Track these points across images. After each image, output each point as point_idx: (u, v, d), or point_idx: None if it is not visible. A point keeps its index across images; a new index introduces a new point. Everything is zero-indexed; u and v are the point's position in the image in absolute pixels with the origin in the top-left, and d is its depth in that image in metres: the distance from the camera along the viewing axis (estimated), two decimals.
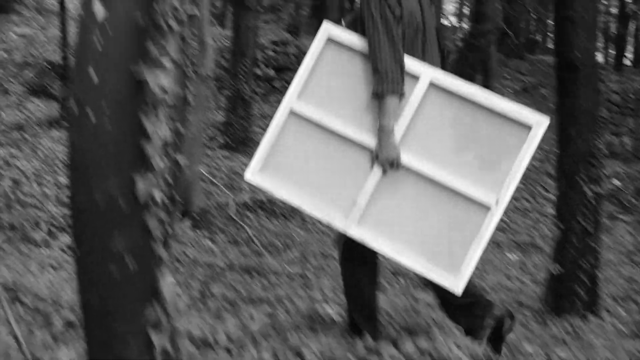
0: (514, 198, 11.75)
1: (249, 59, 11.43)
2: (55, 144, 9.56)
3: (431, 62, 3.50)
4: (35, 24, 17.35)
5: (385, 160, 3.23)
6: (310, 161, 3.42)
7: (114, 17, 1.72)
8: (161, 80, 1.85)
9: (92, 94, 1.72)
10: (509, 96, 17.78)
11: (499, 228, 9.92)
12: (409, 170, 3.27)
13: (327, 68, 3.46)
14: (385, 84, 3.21)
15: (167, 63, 2.15)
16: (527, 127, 3.13)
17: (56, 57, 12.19)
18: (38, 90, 12.24)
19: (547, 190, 12.50)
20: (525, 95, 18.22)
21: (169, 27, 2.19)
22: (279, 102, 3.64)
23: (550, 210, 10.87)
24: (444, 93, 3.26)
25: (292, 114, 3.41)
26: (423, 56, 3.52)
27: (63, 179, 8.13)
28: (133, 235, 1.76)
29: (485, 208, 3.14)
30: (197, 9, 2.47)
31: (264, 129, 3.62)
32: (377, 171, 3.27)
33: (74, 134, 1.76)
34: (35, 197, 7.49)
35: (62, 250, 6.13)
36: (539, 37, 32.67)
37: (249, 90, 11.29)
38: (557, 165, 5.38)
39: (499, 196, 3.13)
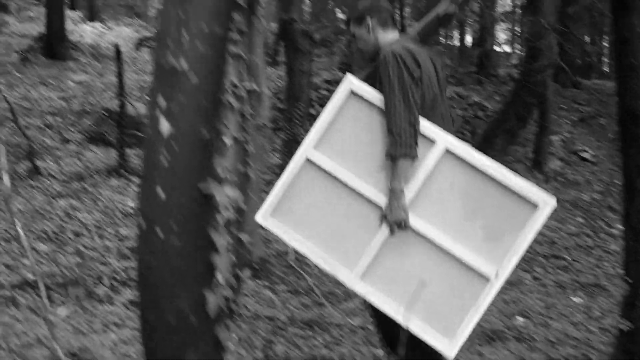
0: (575, 234, 11.52)
1: (303, 102, 11.42)
2: (114, 194, 9.68)
3: (447, 127, 3.53)
4: (92, 70, 17.68)
5: (394, 221, 3.29)
6: (321, 211, 3.49)
7: (180, 133, 1.71)
8: (227, 193, 1.84)
9: (159, 210, 1.71)
10: (568, 127, 17.53)
11: (562, 268, 9.72)
12: (415, 233, 3.35)
13: (347, 121, 3.51)
14: (399, 147, 3.24)
15: (228, 140, 2.15)
16: (534, 206, 3.21)
17: (113, 104, 12.35)
18: (96, 138, 12.42)
19: (609, 226, 12.20)
20: (583, 125, 17.91)
21: (230, 104, 2.19)
22: None
23: (614, 247, 10.60)
24: (458, 161, 3.32)
25: (308, 162, 3.47)
26: (442, 120, 3.57)
27: (124, 231, 8.23)
28: (205, 349, 1.74)
29: (485, 279, 3.22)
30: (256, 84, 2.44)
31: None
32: (384, 230, 3.35)
33: (143, 250, 1.76)
34: (97, 250, 7.58)
35: (125, 307, 6.17)
36: (593, 60, 32.19)
37: (304, 132, 11.25)
38: (624, 219, 5.19)
39: (499, 269, 3.21)
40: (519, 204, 3.24)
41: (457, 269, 3.30)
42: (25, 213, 8.60)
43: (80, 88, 15.86)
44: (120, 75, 10.81)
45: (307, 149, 3.47)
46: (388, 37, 3.76)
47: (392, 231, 3.33)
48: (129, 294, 6.39)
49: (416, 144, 3.27)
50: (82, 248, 7.59)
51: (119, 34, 22.26)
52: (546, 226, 9.93)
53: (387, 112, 3.33)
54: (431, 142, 3.35)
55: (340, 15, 32.21)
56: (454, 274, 3.31)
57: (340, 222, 3.47)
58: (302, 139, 3.66)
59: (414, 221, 3.34)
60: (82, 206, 9.11)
